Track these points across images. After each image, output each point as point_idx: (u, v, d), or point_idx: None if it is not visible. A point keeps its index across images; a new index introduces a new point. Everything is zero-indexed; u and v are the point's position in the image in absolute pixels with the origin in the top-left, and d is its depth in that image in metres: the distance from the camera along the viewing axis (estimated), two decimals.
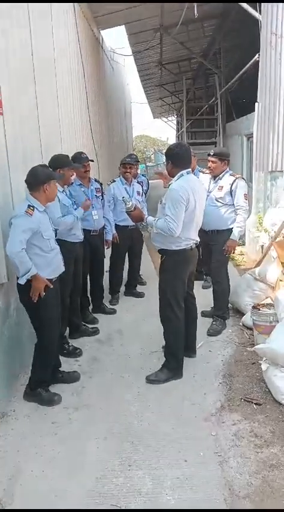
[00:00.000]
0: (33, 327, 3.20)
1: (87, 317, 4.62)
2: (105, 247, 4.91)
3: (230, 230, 4.22)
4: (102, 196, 4.75)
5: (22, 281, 2.91)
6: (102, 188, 4.74)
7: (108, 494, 2.34)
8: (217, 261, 4.31)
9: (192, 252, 3.41)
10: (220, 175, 4.27)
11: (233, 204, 4.21)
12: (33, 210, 2.95)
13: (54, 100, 5.14)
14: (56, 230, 3.32)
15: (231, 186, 4.19)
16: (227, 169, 4.31)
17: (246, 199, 4.21)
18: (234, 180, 4.19)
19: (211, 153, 4.26)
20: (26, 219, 2.89)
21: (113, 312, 4.96)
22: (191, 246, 3.37)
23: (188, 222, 3.22)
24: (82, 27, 7.26)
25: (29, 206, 2.95)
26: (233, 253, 4.46)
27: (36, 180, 3.03)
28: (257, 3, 6.13)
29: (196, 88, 15.58)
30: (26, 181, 3.07)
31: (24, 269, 2.87)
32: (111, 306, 5.09)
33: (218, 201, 4.22)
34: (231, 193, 4.19)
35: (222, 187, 4.22)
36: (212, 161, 4.26)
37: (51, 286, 3.05)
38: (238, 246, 5.11)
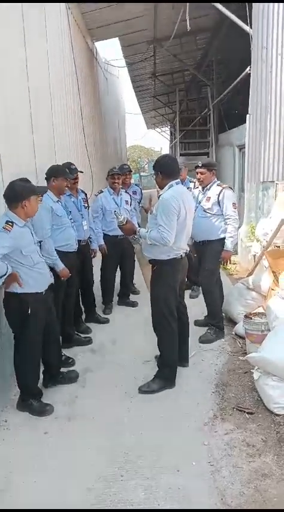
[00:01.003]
0: (13, 333, 3.17)
1: (80, 326, 4.62)
2: (91, 256, 4.89)
3: (220, 240, 4.23)
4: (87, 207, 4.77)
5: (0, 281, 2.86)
6: (87, 198, 4.78)
7: (100, 504, 2.33)
8: (206, 271, 4.32)
9: (182, 261, 3.44)
10: (208, 186, 4.31)
11: (222, 214, 4.22)
12: (11, 225, 2.86)
13: (48, 111, 5.18)
14: (40, 242, 3.30)
15: (218, 196, 4.20)
16: (215, 179, 4.35)
17: (235, 208, 4.23)
18: (221, 190, 4.21)
19: (200, 165, 4.31)
20: (3, 235, 2.81)
21: (106, 321, 4.96)
22: (181, 255, 3.40)
23: (179, 232, 3.24)
24: (76, 39, 7.35)
25: (7, 222, 2.87)
26: (229, 263, 4.48)
27: (15, 195, 2.93)
28: (248, 18, 6.25)
29: (189, 99, 15.76)
30: (4, 195, 2.97)
31: (1, 273, 2.80)
32: (104, 316, 5.09)
33: (206, 211, 4.24)
34: (219, 203, 4.21)
35: (210, 198, 4.25)
36: (201, 172, 4.31)
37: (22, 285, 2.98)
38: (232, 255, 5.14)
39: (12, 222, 2.88)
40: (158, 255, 3.32)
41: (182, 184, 5.18)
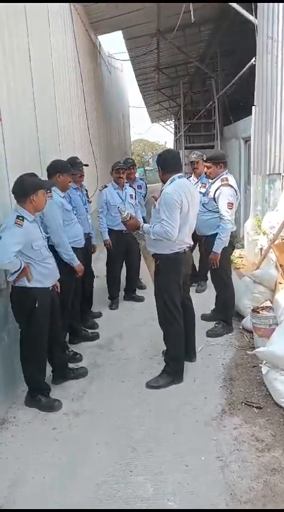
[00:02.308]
0: (19, 328, 3.19)
1: (87, 322, 4.61)
2: (91, 251, 4.85)
3: (215, 236, 4.06)
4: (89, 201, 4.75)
5: (12, 278, 2.91)
6: (87, 193, 4.76)
7: (109, 500, 2.33)
8: (212, 270, 4.25)
9: (185, 255, 3.42)
10: (213, 180, 4.19)
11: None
12: (22, 220, 2.88)
13: (53, 105, 5.16)
14: (48, 238, 3.30)
15: (215, 193, 4.07)
16: (223, 172, 4.15)
17: (230, 208, 3.97)
18: (218, 187, 4.05)
19: (204, 159, 4.23)
20: (17, 230, 2.84)
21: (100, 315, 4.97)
22: (184, 249, 3.39)
23: (182, 225, 3.23)
24: (79, 33, 7.30)
25: (17, 217, 2.88)
26: (216, 266, 4.10)
27: (23, 190, 2.94)
28: (253, 8, 6.17)
29: (193, 92, 15.62)
30: (12, 191, 3.00)
31: (16, 269, 2.87)
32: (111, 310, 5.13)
33: (204, 206, 4.15)
34: (215, 200, 4.06)
35: (209, 193, 4.15)
36: (207, 166, 4.23)
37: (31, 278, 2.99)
38: (237, 249, 5.09)
39: (22, 217, 2.91)
40: (161, 249, 3.31)
41: (197, 178, 5.14)
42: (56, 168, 3.76)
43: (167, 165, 3.35)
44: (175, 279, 3.39)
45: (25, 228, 2.88)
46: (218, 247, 4.01)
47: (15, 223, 2.85)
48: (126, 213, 3.40)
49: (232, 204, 4.01)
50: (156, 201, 3.37)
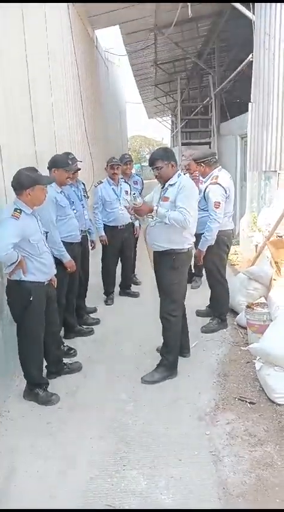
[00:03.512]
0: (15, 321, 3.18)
1: (82, 318, 4.59)
2: (90, 247, 4.86)
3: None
4: (87, 197, 4.74)
5: (8, 270, 2.92)
6: (85, 188, 4.75)
7: (102, 494, 2.34)
8: (206, 266, 4.28)
9: (192, 251, 3.50)
10: (205, 179, 4.18)
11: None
12: (20, 213, 2.90)
13: (48, 99, 5.14)
14: (46, 233, 3.31)
15: (204, 191, 4.07)
16: (215, 170, 4.13)
17: (217, 208, 3.95)
18: (207, 186, 4.05)
19: (183, 158, 4.21)
20: (14, 222, 2.85)
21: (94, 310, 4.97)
22: (192, 245, 3.44)
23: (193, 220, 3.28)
24: (76, 27, 7.25)
25: (15, 209, 2.91)
26: (200, 262, 4.17)
27: (19, 184, 2.97)
28: (251, 4, 6.15)
29: (190, 88, 15.59)
30: (11, 184, 3.02)
31: (12, 261, 2.88)
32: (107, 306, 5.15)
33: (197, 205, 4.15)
34: (205, 198, 4.05)
35: (201, 191, 4.13)
36: (196, 168, 4.25)
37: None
38: (233, 245, 5.09)
39: (20, 210, 2.92)
40: (177, 244, 3.30)
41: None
42: (51, 163, 3.77)
43: (175, 158, 3.36)
44: (186, 275, 3.48)
45: (22, 220, 2.89)
46: (203, 245, 4.05)
47: (12, 215, 2.87)
48: (138, 199, 3.33)
49: (219, 203, 3.96)
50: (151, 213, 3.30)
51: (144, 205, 3.31)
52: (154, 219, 3.31)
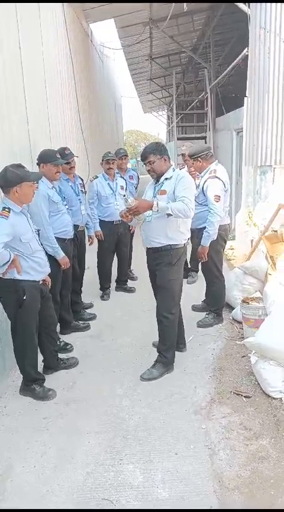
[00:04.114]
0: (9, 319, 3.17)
1: (78, 313, 4.60)
2: (88, 243, 4.84)
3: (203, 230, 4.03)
4: (84, 192, 4.72)
5: (1, 270, 2.87)
6: (83, 183, 4.72)
7: (99, 488, 2.36)
8: (202, 262, 4.26)
9: (187, 247, 3.51)
10: (203, 173, 4.16)
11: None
12: (8, 211, 2.85)
13: (43, 94, 5.10)
14: (38, 231, 3.28)
15: (203, 185, 4.05)
16: (212, 164, 4.11)
17: (217, 201, 3.92)
18: (206, 180, 4.03)
19: (178, 153, 4.20)
20: (3, 221, 2.80)
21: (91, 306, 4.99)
22: (187, 241, 3.46)
23: None
24: (71, 21, 7.19)
25: (3, 208, 2.85)
26: (203, 259, 4.09)
27: (6, 182, 2.90)
28: None
29: (186, 82, 15.54)
30: None
31: (4, 261, 2.82)
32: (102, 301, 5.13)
33: (195, 200, 4.13)
34: (204, 192, 4.04)
35: (199, 185, 4.10)
36: (192, 164, 4.24)
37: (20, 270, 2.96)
38: (229, 240, 5.09)
39: (9, 208, 2.87)
40: (176, 239, 3.31)
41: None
42: (40, 158, 3.73)
43: (167, 153, 3.35)
44: (182, 270, 3.49)
45: (11, 219, 2.84)
46: (206, 241, 3.99)
47: (0, 214, 2.81)
48: (130, 199, 3.13)
49: (219, 196, 3.95)
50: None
51: (142, 202, 3.17)
52: (151, 213, 3.27)
